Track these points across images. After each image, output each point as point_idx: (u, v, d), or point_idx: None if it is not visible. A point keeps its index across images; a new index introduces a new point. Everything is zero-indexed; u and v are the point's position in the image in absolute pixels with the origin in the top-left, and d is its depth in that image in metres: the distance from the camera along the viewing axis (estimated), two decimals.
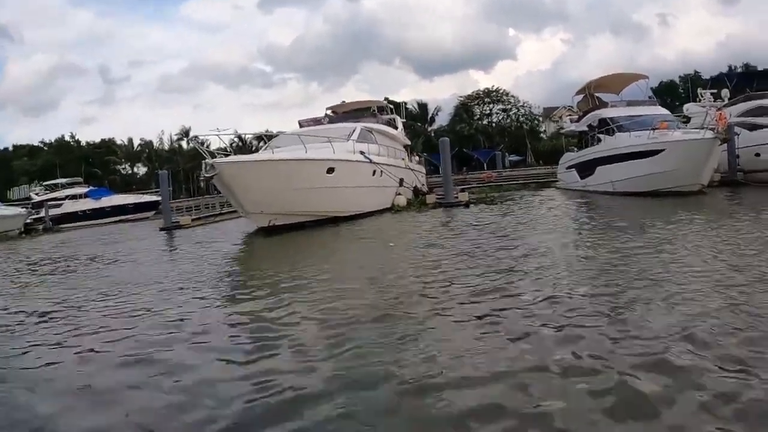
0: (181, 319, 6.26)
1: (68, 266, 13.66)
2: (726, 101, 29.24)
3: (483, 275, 7.05)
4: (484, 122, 72.67)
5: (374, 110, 28.67)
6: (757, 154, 23.45)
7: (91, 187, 51.62)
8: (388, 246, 11.85)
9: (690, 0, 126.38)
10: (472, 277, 6.98)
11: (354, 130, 20.80)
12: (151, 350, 5.09)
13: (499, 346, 4.36)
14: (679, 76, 73.81)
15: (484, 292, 6.18)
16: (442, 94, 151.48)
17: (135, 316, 6.66)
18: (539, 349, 4.18)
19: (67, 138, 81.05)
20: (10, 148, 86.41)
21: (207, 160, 15.37)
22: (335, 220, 17.13)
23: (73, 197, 48.28)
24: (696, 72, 69.59)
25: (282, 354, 4.64)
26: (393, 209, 20.92)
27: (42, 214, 44.43)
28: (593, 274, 6.65)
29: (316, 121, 24.77)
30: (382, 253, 10.71)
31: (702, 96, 33.13)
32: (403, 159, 25.57)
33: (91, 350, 5.31)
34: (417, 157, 33.60)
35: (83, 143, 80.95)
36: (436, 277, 7.22)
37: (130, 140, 78.22)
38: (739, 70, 62.06)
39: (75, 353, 5.30)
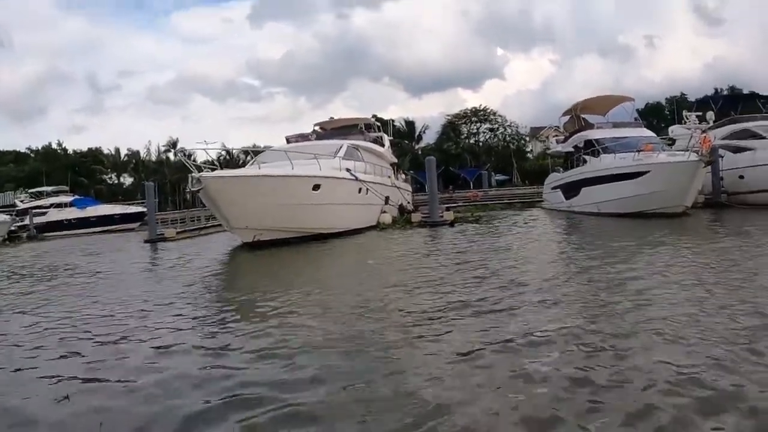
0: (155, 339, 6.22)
1: (48, 277, 13.66)
2: (711, 124, 29.66)
3: (461, 301, 6.93)
4: (471, 141, 73.02)
5: (361, 127, 28.82)
6: (741, 177, 23.80)
7: (76, 196, 51.39)
8: (369, 265, 11.83)
9: (677, 22, 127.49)
10: (449, 302, 6.91)
11: (341, 147, 20.93)
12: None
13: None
14: (666, 98, 74.48)
15: (458, 320, 6.05)
16: (430, 111, 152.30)
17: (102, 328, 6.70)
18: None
19: (54, 146, 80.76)
20: None
21: (193, 174, 15.44)
22: (320, 237, 17.20)
23: (59, 206, 48.11)
24: (682, 94, 70.20)
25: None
26: (378, 227, 20.97)
27: (26, 221, 44.22)
28: (576, 307, 6.41)
29: (304, 137, 24.87)
30: (363, 273, 10.60)
31: (687, 118, 33.68)
32: (389, 177, 25.71)
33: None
34: (403, 175, 33.77)
35: (70, 151, 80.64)
36: (415, 303, 7.08)
37: (117, 150, 78.01)
38: (725, 92, 62.78)
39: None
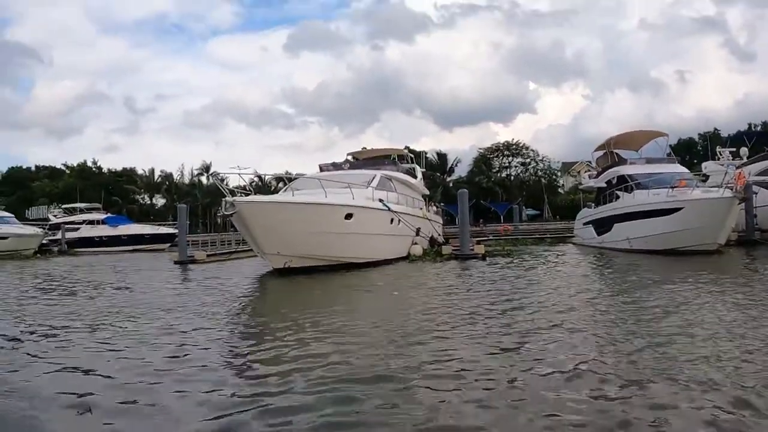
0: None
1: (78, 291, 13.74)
2: (745, 160, 29.42)
3: (489, 339, 6.75)
4: (503, 175, 72.87)
5: (394, 158, 28.89)
6: None
7: (109, 214, 52.07)
8: (399, 301, 11.40)
9: (708, 58, 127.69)
10: (475, 340, 6.72)
11: (374, 177, 20.94)
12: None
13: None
14: (699, 134, 74.07)
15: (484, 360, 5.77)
16: (461, 144, 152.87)
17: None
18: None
19: (89, 164, 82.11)
20: (33, 168, 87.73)
21: (227, 198, 15.47)
22: (351, 267, 17.11)
23: (91, 222, 48.80)
24: (716, 130, 70.04)
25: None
26: (409, 258, 20.86)
27: (58, 236, 44.82)
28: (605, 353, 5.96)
29: (337, 166, 24.94)
30: (391, 308, 10.35)
31: (721, 154, 33.46)
32: (420, 209, 25.61)
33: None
34: (435, 207, 33.66)
35: (105, 170, 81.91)
36: (440, 339, 6.88)
37: (152, 171, 79.06)
38: (759, 128, 62.36)
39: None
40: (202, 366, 5.81)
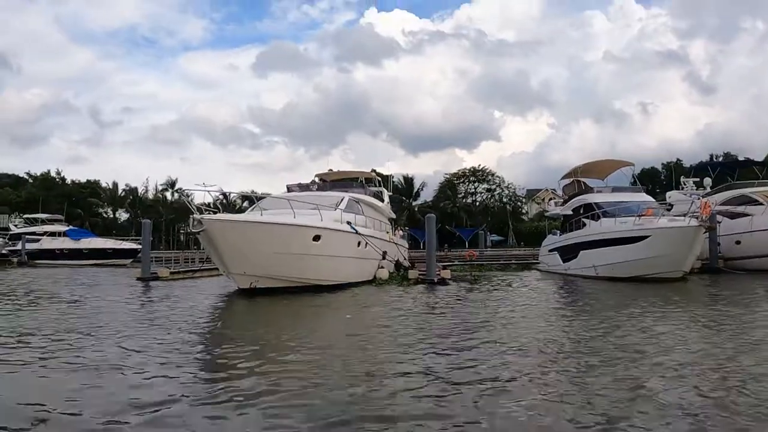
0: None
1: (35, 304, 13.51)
2: (708, 189, 30.17)
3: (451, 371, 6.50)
4: (468, 201, 73.39)
5: (362, 181, 29.08)
6: (738, 242, 24.22)
7: (71, 227, 51.27)
8: (352, 325, 11.35)
9: (670, 89, 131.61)
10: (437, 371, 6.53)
11: (342, 200, 21.00)
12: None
13: None
14: (662, 164, 75.66)
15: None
16: (426, 169, 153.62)
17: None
18: None
19: (53, 174, 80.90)
20: None
21: (195, 215, 15.34)
22: (316, 289, 17.01)
23: (52, 234, 48.07)
24: (678, 160, 71.51)
25: None
26: (375, 282, 20.89)
27: (18, 246, 44.07)
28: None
29: (304, 187, 24.91)
30: (340, 334, 10.17)
31: (685, 184, 34.21)
32: (387, 232, 25.72)
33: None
34: (400, 231, 33.75)
35: (68, 181, 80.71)
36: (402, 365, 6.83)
37: (116, 184, 78.21)
38: (720, 158, 63.92)
39: None
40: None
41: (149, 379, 6.24)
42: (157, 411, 5.01)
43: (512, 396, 5.38)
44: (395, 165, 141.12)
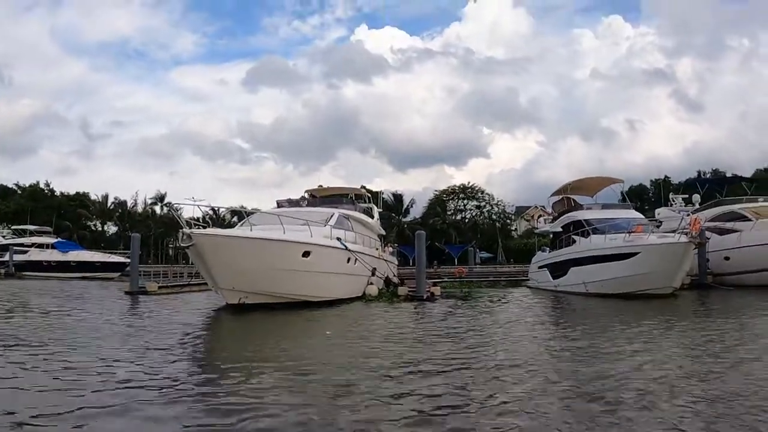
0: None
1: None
2: (697, 206, 30.36)
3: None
4: (458, 217, 73.51)
5: (352, 197, 29.04)
6: (727, 258, 24.38)
7: (59, 239, 50.96)
8: (360, 341, 11.08)
9: (658, 107, 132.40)
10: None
11: (332, 216, 21.01)
12: None
13: None
14: (651, 181, 76.18)
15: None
16: (415, 186, 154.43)
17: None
18: None
19: (41, 185, 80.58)
20: None
21: (184, 230, 15.32)
22: (305, 305, 16.98)
23: (40, 246, 47.75)
24: (666, 177, 71.86)
25: None
26: (364, 299, 20.81)
27: (6, 258, 43.79)
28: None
29: (294, 203, 24.91)
30: (346, 350, 10.00)
31: (674, 201, 34.41)
32: (377, 249, 25.71)
33: None
34: (390, 248, 33.74)
35: (57, 193, 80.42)
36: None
37: (105, 197, 77.93)
38: (709, 175, 64.40)
39: None
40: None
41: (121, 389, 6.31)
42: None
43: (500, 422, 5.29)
44: (384, 181, 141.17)
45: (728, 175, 51.59)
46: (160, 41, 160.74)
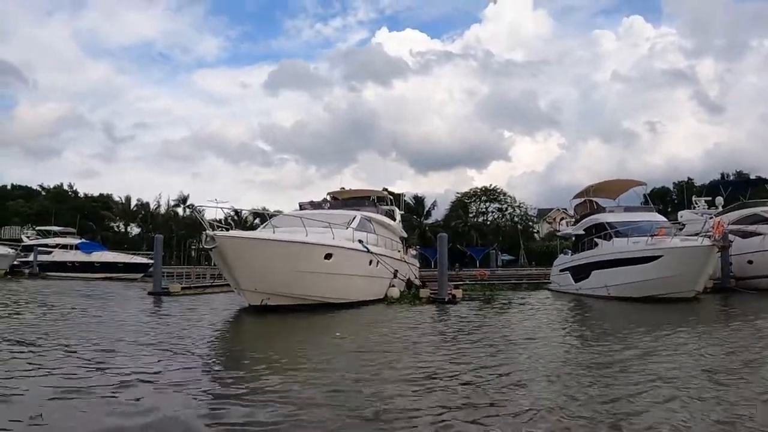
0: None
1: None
2: (720, 209, 29.97)
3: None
4: (480, 220, 73.22)
5: (374, 200, 29.08)
6: (750, 262, 24.12)
7: (83, 240, 51.41)
8: (380, 346, 10.75)
9: (678, 109, 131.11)
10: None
11: (354, 218, 21.00)
12: None
13: None
14: (673, 183, 75.32)
15: None
16: (437, 188, 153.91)
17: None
18: None
19: (65, 187, 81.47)
20: (8, 187, 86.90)
21: (207, 232, 15.37)
22: (327, 307, 17.01)
23: (64, 247, 48.18)
24: (689, 179, 71.05)
25: None
26: (386, 300, 20.81)
27: (30, 258, 44.25)
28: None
29: (316, 205, 24.96)
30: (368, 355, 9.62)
31: (697, 204, 34.04)
32: (398, 251, 25.69)
33: None
34: (412, 250, 33.69)
35: (81, 194, 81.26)
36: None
37: (128, 199, 78.50)
38: (732, 177, 63.57)
39: None
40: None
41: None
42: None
43: None
44: (406, 184, 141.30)
45: (752, 177, 50.84)
46: (183, 44, 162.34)
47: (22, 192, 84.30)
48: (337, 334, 12.29)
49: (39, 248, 46.56)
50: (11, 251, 40.78)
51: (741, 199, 30.42)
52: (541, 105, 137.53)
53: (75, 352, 8.93)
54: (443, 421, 5.35)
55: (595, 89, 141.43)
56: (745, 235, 25.38)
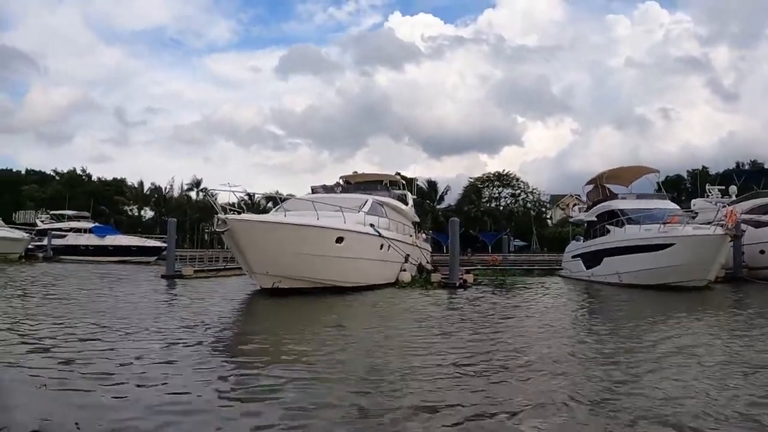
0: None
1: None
2: (734, 197, 29.75)
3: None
4: (492, 205, 72.97)
5: (386, 184, 29.02)
6: (762, 251, 23.94)
7: (97, 224, 51.73)
8: (388, 330, 10.71)
9: (692, 96, 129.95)
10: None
11: (366, 202, 20.99)
12: None
13: None
14: (687, 171, 74.80)
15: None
16: (449, 173, 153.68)
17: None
18: None
19: (78, 171, 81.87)
20: (23, 172, 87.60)
21: (219, 215, 15.41)
22: (338, 290, 17.07)
23: (78, 231, 48.53)
24: (704, 167, 70.59)
25: None
26: (397, 285, 20.78)
27: (45, 242, 44.53)
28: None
29: (329, 189, 24.98)
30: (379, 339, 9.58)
31: (710, 192, 33.81)
32: (410, 235, 25.65)
33: None
34: (424, 235, 33.67)
35: (94, 179, 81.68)
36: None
37: (141, 183, 78.63)
38: (747, 167, 63.06)
39: None
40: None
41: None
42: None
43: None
44: (419, 168, 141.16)
45: (766, 167, 50.43)
46: (195, 29, 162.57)
47: (36, 177, 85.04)
48: (334, 316, 12.32)
49: (53, 232, 46.86)
50: (26, 236, 41.00)
51: (755, 188, 30.15)
52: (554, 90, 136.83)
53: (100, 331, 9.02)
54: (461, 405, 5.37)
55: (608, 75, 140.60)
56: (758, 224, 25.17)
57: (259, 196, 55.69)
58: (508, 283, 25.22)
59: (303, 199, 20.45)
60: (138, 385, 5.76)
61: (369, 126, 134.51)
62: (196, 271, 26.12)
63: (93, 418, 4.66)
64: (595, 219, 27.45)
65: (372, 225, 19.39)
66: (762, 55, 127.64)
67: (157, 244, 46.48)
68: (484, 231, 67.32)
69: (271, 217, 18.61)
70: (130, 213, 78.21)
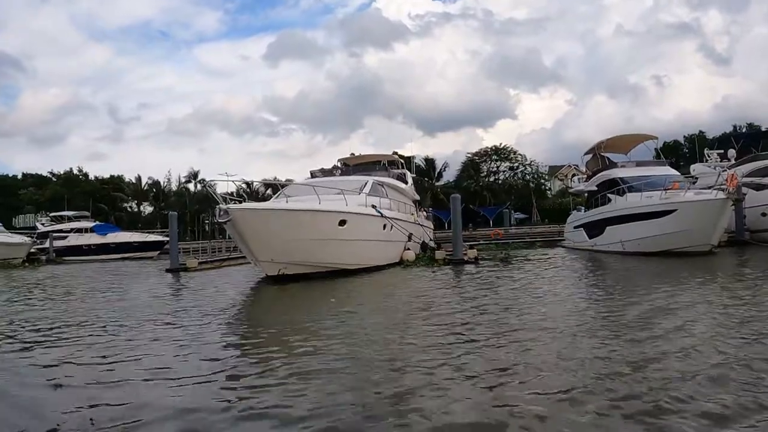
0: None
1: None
2: (733, 161, 29.71)
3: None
4: (491, 179, 72.98)
5: (385, 164, 28.93)
6: (764, 214, 24.02)
7: (97, 222, 51.72)
8: (399, 309, 10.78)
9: (685, 62, 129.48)
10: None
11: (366, 183, 20.92)
12: None
13: None
14: (684, 136, 74.68)
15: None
16: (446, 149, 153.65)
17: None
18: None
19: (75, 171, 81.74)
20: (19, 176, 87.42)
21: (220, 206, 15.34)
22: (344, 273, 17.06)
23: (79, 231, 48.44)
24: (701, 132, 70.59)
25: None
26: (402, 264, 20.81)
27: (46, 244, 44.53)
28: None
29: (327, 172, 24.92)
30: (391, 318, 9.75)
31: (709, 156, 33.75)
32: (412, 214, 25.62)
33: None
34: (425, 212, 33.64)
35: (91, 177, 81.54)
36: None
37: (139, 178, 78.67)
38: (744, 129, 62.91)
39: None
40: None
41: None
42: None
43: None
44: (415, 146, 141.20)
45: (763, 129, 50.19)
46: (182, 20, 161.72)
47: (34, 180, 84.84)
48: (332, 300, 12.25)
49: (54, 234, 46.84)
50: (27, 240, 40.96)
51: (753, 151, 29.99)
52: (546, 62, 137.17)
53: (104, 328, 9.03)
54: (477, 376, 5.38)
55: (599, 44, 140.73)
56: (759, 187, 25.12)
57: (258, 183, 55.52)
58: (512, 255, 25.21)
59: (303, 184, 20.42)
60: (156, 381, 5.77)
61: (362, 107, 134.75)
62: (200, 263, 26.06)
63: (106, 415, 4.67)
64: (596, 188, 27.46)
65: (374, 206, 19.32)
66: (753, 18, 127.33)
67: (159, 238, 46.56)
68: (484, 206, 67.40)
69: (272, 204, 18.55)
70: (129, 209, 78.22)
